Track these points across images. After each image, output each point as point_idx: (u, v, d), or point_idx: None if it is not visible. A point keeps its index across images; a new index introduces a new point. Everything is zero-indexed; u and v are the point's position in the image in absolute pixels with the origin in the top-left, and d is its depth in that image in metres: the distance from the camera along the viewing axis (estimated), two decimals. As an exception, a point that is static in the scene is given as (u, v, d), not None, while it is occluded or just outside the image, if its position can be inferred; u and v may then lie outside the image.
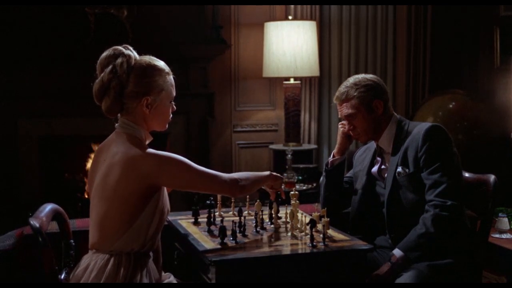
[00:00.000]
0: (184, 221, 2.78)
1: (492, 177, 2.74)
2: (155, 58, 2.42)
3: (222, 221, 2.58)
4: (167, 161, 2.31)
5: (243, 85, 5.30)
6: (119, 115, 2.39)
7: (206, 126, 5.18)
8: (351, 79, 2.81)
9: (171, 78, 2.42)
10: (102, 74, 2.33)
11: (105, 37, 4.78)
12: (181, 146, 5.16)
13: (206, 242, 2.45)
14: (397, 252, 2.57)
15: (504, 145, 4.85)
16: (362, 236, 2.64)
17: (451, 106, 4.98)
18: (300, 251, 2.43)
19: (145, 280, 2.32)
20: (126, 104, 2.35)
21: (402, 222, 2.69)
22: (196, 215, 2.78)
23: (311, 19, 5.21)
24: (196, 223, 2.75)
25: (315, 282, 2.36)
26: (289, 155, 4.78)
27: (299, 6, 5.23)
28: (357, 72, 5.11)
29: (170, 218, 2.85)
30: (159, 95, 2.36)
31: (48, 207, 2.52)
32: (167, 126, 2.47)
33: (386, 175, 2.76)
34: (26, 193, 4.79)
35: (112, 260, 2.29)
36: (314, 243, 2.42)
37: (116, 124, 2.40)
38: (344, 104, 2.77)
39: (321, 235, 2.46)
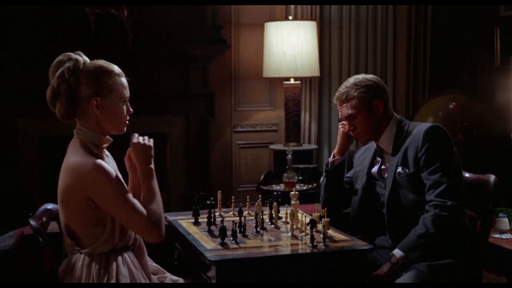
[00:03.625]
0: (184, 221, 2.78)
1: (492, 177, 2.74)
2: (106, 62, 2.42)
3: (222, 221, 2.59)
4: (99, 179, 2.26)
5: (243, 85, 5.29)
6: (76, 120, 2.40)
7: (206, 126, 5.18)
8: (351, 79, 2.81)
9: (122, 79, 2.41)
10: (52, 80, 2.35)
11: (105, 37, 4.79)
12: (181, 146, 5.16)
13: (206, 242, 2.45)
14: (397, 252, 2.58)
15: (504, 145, 4.84)
16: (362, 236, 2.64)
17: (451, 106, 4.98)
18: (300, 251, 2.43)
19: (123, 269, 2.34)
20: (78, 107, 2.36)
21: (402, 222, 2.69)
22: (196, 215, 2.78)
23: (311, 19, 5.20)
24: (196, 223, 2.75)
25: (315, 282, 2.36)
26: (289, 155, 4.78)
27: (299, 6, 5.23)
28: (357, 72, 5.12)
29: (170, 218, 2.86)
30: (108, 95, 2.35)
31: (48, 207, 2.53)
32: (125, 128, 2.45)
33: (386, 175, 2.76)
34: (26, 193, 4.78)
35: (81, 258, 2.33)
36: (314, 243, 2.42)
37: (74, 130, 2.42)
38: (344, 104, 2.77)
39: (321, 235, 2.46)
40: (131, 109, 2.45)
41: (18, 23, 4.68)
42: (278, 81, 5.25)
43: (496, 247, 3.76)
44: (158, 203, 2.36)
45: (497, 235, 3.91)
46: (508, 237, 3.91)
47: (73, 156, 2.32)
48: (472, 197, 2.81)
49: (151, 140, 2.46)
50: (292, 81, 4.98)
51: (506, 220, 3.97)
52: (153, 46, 4.94)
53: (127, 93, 2.42)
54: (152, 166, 2.43)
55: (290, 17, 5.11)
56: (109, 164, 2.40)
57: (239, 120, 5.33)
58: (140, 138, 2.44)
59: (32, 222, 2.36)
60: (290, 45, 4.83)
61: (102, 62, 2.40)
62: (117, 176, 2.32)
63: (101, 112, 2.35)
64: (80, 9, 4.72)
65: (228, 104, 5.28)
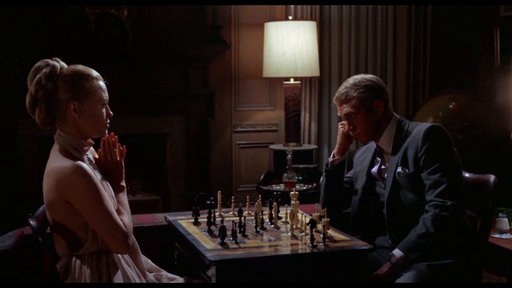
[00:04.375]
0: (184, 221, 2.78)
1: (492, 177, 2.74)
2: (83, 66, 2.42)
3: (222, 221, 2.59)
4: (77, 181, 2.26)
5: (243, 85, 5.29)
6: (57, 125, 2.40)
7: (206, 126, 5.18)
8: (351, 80, 2.81)
9: (100, 83, 2.40)
10: (30, 87, 2.36)
11: (105, 37, 4.79)
12: (181, 146, 5.16)
13: (206, 242, 2.45)
14: (397, 252, 2.57)
15: (504, 145, 4.85)
16: (362, 236, 2.64)
17: (451, 106, 4.98)
18: (300, 251, 2.43)
19: (115, 268, 2.35)
20: (57, 112, 2.36)
21: (402, 222, 2.69)
22: (196, 215, 2.78)
23: (311, 19, 5.21)
24: (196, 223, 2.75)
25: (315, 282, 2.36)
26: (289, 155, 4.78)
27: (299, 6, 5.23)
28: (357, 72, 5.11)
29: (170, 218, 2.85)
30: (86, 99, 2.35)
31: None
32: (106, 131, 2.45)
33: (386, 175, 2.76)
34: (26, 193, 4.78)
35: (73, 261, 2.34)
36: (314, 243, 2.42)
37: (54, 135, 2.42)
38: (344, 104, 2.77)
39: (321, 235, 2.46)
40: (111, 112, 2.45)
41: (18, 23, 4.68)
42: (278, 81, 5.25)
43: (496, 247, 3.76)
44: (130, 217, 2.41)
45: (497, 235, 3.91)
46: (508, 237, 3.91)
47: (54, 162, 2.33)
48: (472, 197, 2.81)
49: (122, 152, 2.50)
50: (292, 81, 4.98)
51: (506, 220, 3.97)
52: (153, 46, 4.94)
53: (105, 96, 2.41)
54: (123, 183, 2.50)
55: (290, 17, 5.11)
56: (93, 167, 2.41)
57: (239, 120, 5.33)
58: (109, 156, 2.48)
59: (32, 222, 2.36)
60: (290, 45, 4.83)
61: (79, 67, 2.40)
62: (97, 180, 2.31)
63: (80, 116, 2.35)
64: (80, 9, 4.72)
65: (228, 104, 5.28)
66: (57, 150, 2.37)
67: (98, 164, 2.50)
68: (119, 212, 2.38)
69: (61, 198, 2.28)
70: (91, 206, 2.27)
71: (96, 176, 2.35)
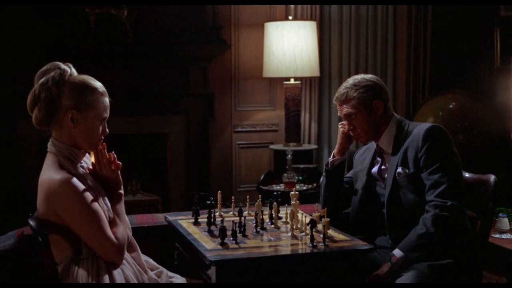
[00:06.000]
0: (184, 221, 2.78)
1: (492, 177, 2.74)
2: (92, 78, 2.41)
3: (222, 221, 2.59)
4: (66, 195, 2.26)
5: (243, 85, 5.29)
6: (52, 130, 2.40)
7: (206, 126, 5.18)
8: (351, 80, 2.81)
9: (105, 99, 2.40)
10: (35, 86, 2.36)
11: (105, 37, 4.79)
12: (181, 146, 5.16)
13: (206, 242, 2.45)
14: (397, 252, 2.58)
15: (504, 145, 4.85)
16: (362, 236, 2.64)
17: (451, 106, 4.99)
18: (300, 251, 2.43)
19: (115, 269, 2.34)
20: (54, 116, 2.36)
21: (402, 222, 2.69)
22: (196, 215, 2.78)
23: (311, 19, 5.21)
24: (196, 223, 2.75)
25: (315, 282, 2.36)
26: (289, 155, 4.78)
27: (299, 6, 5.23)
28: (357, 72, 5.12)
29: (170, 218, 2.86)
30: (86, 111, 2.35)
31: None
32: (98, 146, 2.43)
33: (386, 175, 2.76)
34: (26, 193, 4.78)
35: (69, 266, 2.33)
36: (314, 243, 2.42)
37: (48, 144, 2.41)
38: (344, 105, 2.77)
39: (321, 235, 2.46)
40: (107, 130, 2.44)
41: (18, 23, 4.68)
42: (278, 81, 5.25)
43: (496, 247, 3.76)
44: (125, 227, 2.40)
45: (497, 235, 3.91)
46: (508, 237, 3.91)
47: (45, 173, 2.34)
48: (472, 197, 2.81)
49: (118, 164, 2.48)
50: (292, 81, 4.98)
51: (506, 220, 3.98)
52: (153, 46, 4.94)
53: (106, 113, 2.41)
54: (121, 191, 2.49)
55: (290, 17, 5.11)
56: (86, 177, 2.39)
57: (239, 120, 5.33)
58: (105, 165, 2.45)
59: (32, 222, 2.36)
60: (290, 45, 4.83)
61: (88, 78, 2.40)
62: (87, 193, 2.29)
63: (75, 126, 2.35)
64: (80, 9, 4.72)
65: (228, 104, 5.28)
66: (49, 160, 2.37)
67: (94, 171, 2.49)
68: (113, 223, 2.37)
69: (52, 211, 2.29)
70: (80, 220, 2.27)
71: (89, 185, 2.34)
